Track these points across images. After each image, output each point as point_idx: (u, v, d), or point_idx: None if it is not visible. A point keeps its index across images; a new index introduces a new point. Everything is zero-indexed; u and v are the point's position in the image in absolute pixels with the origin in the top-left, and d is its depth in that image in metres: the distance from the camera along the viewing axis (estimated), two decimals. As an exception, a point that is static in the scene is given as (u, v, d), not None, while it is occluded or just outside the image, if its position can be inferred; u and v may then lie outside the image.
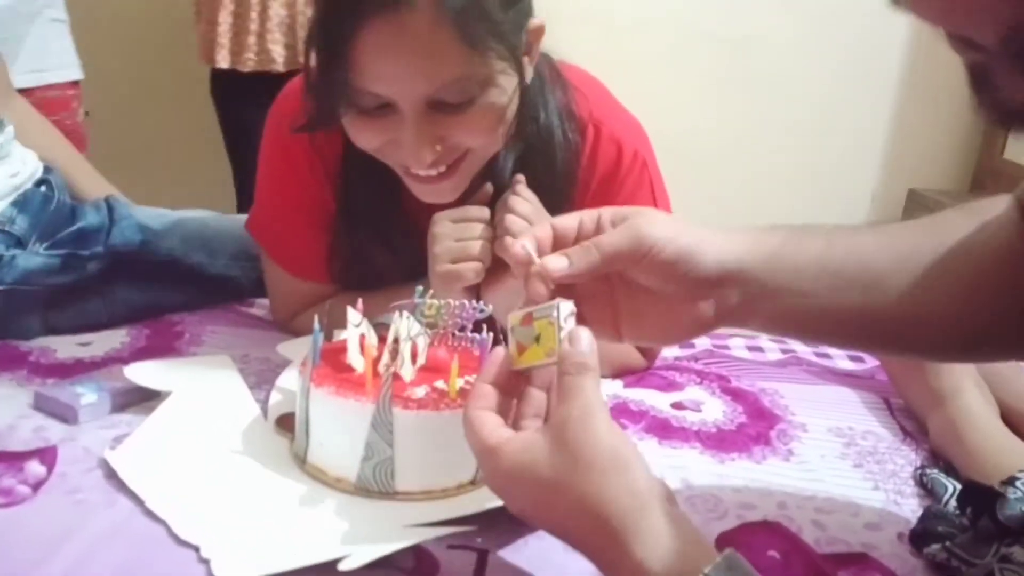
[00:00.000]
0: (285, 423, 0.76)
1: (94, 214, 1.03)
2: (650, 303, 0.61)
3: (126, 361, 0.86)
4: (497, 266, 0.87)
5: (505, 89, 0.81)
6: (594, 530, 0.48)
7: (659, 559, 0.46)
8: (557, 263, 0.57)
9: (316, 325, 0.71)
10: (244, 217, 1.16)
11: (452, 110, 0.78)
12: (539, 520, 0.53)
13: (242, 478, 0.68)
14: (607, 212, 0.60)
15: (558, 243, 0.59)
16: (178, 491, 0.65)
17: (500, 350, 0.58)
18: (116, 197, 1.09)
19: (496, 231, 0.86)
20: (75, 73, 1.42)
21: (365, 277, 0.94)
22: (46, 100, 1.35)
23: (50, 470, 0.65)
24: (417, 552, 0.59)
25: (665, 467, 0.76)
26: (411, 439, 0.66)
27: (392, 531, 0.61)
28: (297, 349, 0.86)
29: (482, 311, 0.74)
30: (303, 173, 0.95)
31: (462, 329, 0.77)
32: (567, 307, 0.56)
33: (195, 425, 0.73)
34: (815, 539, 0.67)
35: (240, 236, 1.06)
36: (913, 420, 0.90)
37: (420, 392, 0.68)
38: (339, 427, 0.67)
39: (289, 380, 0.82)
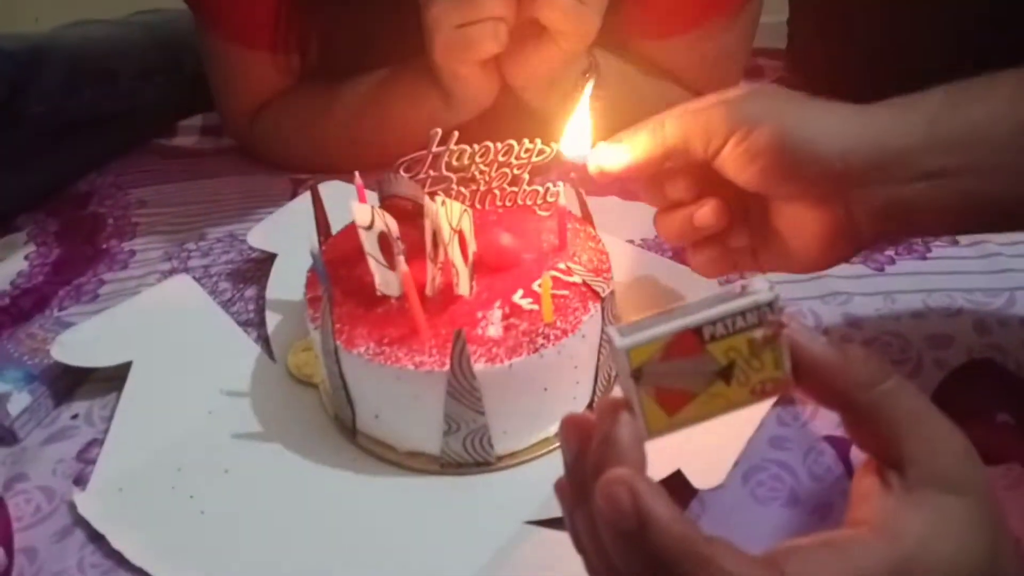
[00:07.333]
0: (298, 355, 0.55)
1: None
2: (779, 215, 0.44)
3: (41, 291, 0.62)
4: (528, 35, 0.61)
5: None
6: None
7: None
8: (614, 156, 0.44)
9: (313, 251, 0.46)
10: (139, 18, 0.85)
11: None
12: None
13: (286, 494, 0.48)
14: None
15: None
16: (190, 540, 0.45)
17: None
18: None
19: None
20: None
21: (340, 48, 0.71)
22: None
23: (10, 556, 0.45)
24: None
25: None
26: (507, 398, 0.46)
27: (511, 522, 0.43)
28: (272, 236, 0.63)
29: (545, 150, 0.50)
30: None
31: (513, 182, 0.53)
32: (768, 288, 0.28)
33: (179, 407, 0.51)
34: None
35: (142, 42, 0.77)
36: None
37: (495, 320, 0.46)
38: (399, 402, 0.46)
39: (281, 287, 0.59)
